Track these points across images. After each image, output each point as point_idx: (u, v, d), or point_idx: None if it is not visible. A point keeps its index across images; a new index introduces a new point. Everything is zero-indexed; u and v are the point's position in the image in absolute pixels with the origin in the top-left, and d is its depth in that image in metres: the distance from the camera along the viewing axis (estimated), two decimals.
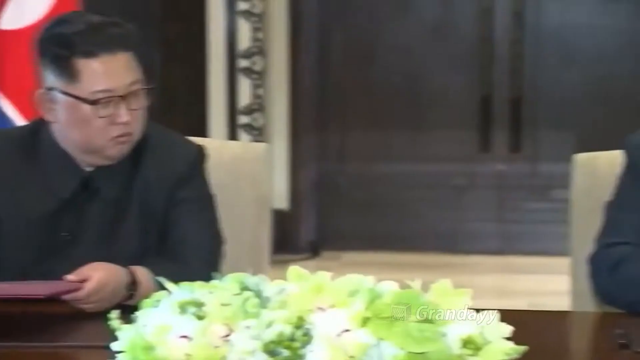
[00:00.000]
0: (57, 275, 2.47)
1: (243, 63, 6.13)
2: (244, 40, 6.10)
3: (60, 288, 2.39)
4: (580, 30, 6.13)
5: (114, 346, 1.84)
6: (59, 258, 2.62)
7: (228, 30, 6.07)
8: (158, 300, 1.84)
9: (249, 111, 6.15)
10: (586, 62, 6.12)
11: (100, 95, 2.53)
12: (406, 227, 6.33)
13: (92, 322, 2.33)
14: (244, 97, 6.13)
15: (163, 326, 1.79)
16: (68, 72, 2.54)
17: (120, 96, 2.55)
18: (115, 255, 2.55)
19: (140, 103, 2.60)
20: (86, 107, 2.54)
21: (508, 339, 1.81)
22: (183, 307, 1.80)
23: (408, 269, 5.48)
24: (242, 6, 6.07)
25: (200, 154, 2.75)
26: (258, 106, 6.15)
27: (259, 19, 6.10)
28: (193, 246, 2.64)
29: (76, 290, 2.38)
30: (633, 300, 2.54)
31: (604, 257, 2.62)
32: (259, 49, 6.13)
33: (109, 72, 2.55)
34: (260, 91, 6.14)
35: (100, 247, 2.61)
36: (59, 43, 2.56)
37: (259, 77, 6.14)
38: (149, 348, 1.79)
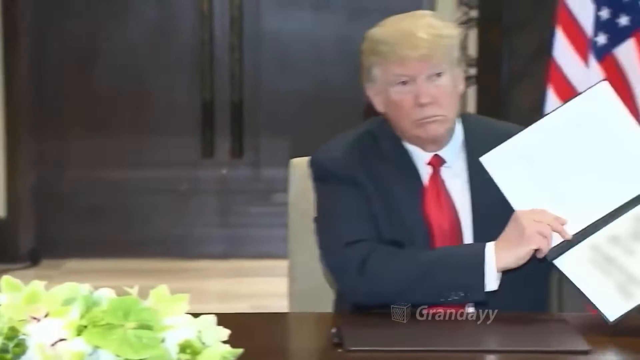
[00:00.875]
0: None
1: None
2: None
3: None
4: (297, 37, 6.23)
5: None
6: None
7: None
8: None
9: None
10: (303, 69, 6.22)
11: None
12: (132, 234, 6.28)
13: None
14: None
15: None
16: None
17: None
18: None
19: None
20: None
21: (226, 342, 1.83)
22: None
23: (132, 276, 5.44)
24: None
25: None
26: None
27: None
28: None
29: None
30: (388, 292, 2.58)
31: (348, 258, 2.66)
32: None
33: None
34: None
35: None
36: None
37: None
38: None
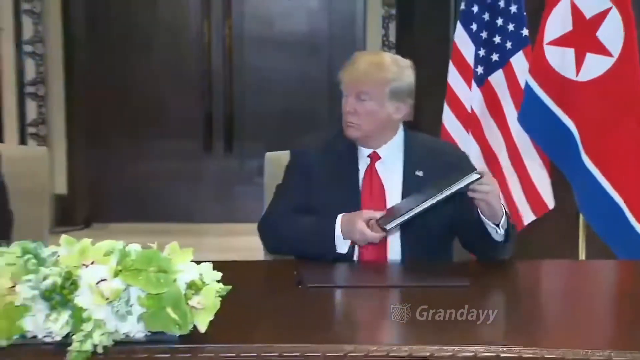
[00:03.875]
0: None
1: (29, 89, 5.93)
2: (30, 73, 5.90)
3: None
4: (271, 68, 6.26)
5: None
6: None
7: (17, 66, 5.86)
8: None
9: (35, 124, 5.96)
10: (275, 91, 6.23)
11: None
12: (153, 206, 6.28)
13: None
14: (31, 114, 5.94)
15: None
16: None
17: None
18: None
19: None
20: None
21: (219, 281, 1.82)
22: None
23: (153, 235, 5.30)
24: (28, 49, 5.87)
25: None
26: (42, 120, 5.97)
27: (41, 58, 5.91)
28: None
29: None
30: (282, 248, 2.67)
31: (266, 222, 2.70)
32: (42, 80, 5.95)
33: None
34: (44, 109, 5.97)
35: None
36: None
37: (42, 100, 5.96)
38: None
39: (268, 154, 3.03)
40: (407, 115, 2.70)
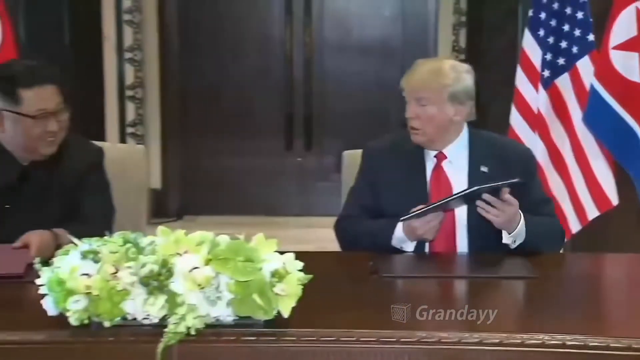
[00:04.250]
0: (2, 239, 2.40)
1: (129, 93, 6.04)
2: (130, 78, 6.01)
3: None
4: (349, 72, 6.24)
5: (38, 281, 1.79)
6: (3, 224, 2.53)
7: (119, 72, 5.97)
8: (68, 250, 1.80)
9: (133, 124, 6.06)
10: (352, 94, 6.20)
11: (39, 113, 2.47)
12: (240, 200, 6.29)
13: None
14: (130, 115, 6.04)
15: (72, 267, 1.75)
16: (14, 98, 2.47)
17: (51, 112, 2.49)
18: (42, 222, 2.46)
19: (64, 117, 2.55)
20: (30, 121, 2.47)
21: (300, 270, 1.83)
22: (85, 255, 1.76)
23: (240, 227, 5.34)
24: (128, 55, 5.98)
25: (100, 152, 2.70)
26: (139, 121, 6.07)
27: (139, 64, 6.01)
28: (94, 214, 2.58)
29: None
30: (353, 245, 2.63)
31: (339, 225, 2.72)
32: (140, 84, 6.04)
33: (44, 97, 2.49)
34: (141, 111, 6.06)
35: (32, 217, 2.53)
36: (6, 79, 2.49)
37: (140, 102, 6.06)
38: (62, 283, 1.75)
39: (345, 152, 3.03)
40: (469, 116, 2.66)
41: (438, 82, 2.58)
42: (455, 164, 2.64)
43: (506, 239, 2.49)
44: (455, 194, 2.47)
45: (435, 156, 2.65)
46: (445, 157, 2.65)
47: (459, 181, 2.62)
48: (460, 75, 2.61)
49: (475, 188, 2.42)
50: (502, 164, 2.59)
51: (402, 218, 2.48)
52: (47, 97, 2.50)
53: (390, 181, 2.64)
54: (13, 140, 2.53)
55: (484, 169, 2.61)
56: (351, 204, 2.73)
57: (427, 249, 2.59)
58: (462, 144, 2.65)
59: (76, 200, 2.59)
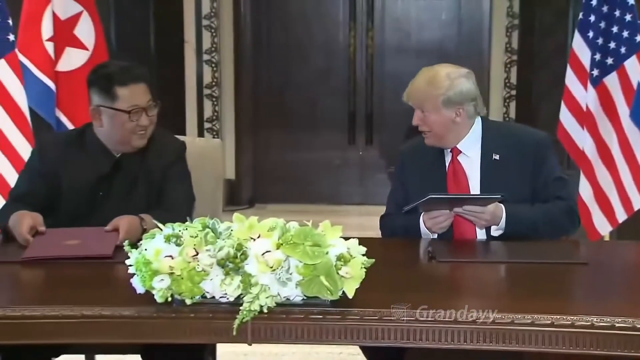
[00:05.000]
0: (96, 222, 2.45)
1: (206, 91, 6.09)
2: (207, 78, 6.06)
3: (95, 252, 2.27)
4: (406, 73, 6.17)
5: (128, 262, 1.82)
6: (97, 209, 2.58)
7: (197, 72, 6.03)
8: (154, 234, 1.81)
9: (210, 120, 6.12)
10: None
11: (133, 108, 2.52)
12: (307, 190, 6.34)
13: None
14: (208, 111, 6.10)
15: (157, 250, 1.77)
16: (111, 95, 2.51)
17: (143, 108, 2.53)
18: (130, 209, 2.50)
19: (154, 112, 2.59)
20: (125, 116, 2.52)
21: (363, 255, 1.82)
22: (168, 238, 1.78)
23: (308, 215, 5.38)
24: (206, 57, 6.03)
25: (182, 145, 2.72)
26: (216, 117, 6.13)
27: (216, 65, 6.06)
28: (176, 202, 2.60)
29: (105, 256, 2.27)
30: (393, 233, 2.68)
31: (380, 223, 2.77)
32: (216, 83, 6.09)
33: (137, 94, 2.53)
34: (217, 108, 6.11)
35: (122, 203, 2.57)
36: (103, 78, 2.54)
37: (216, 100, 6.11)
38: (148, 263, 1.76)
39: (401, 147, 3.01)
40: (474, 113, 2.65)
41: (431, 91, 2.61)
42: (469, 156, 2.64)
43: (495, 231, 2.54)
44: (449, 195, 2.55)
45: (451, 151, 2.66)
46: (460, 152, 2.65)
47: (473, 171, 2.63)
48: (453, 81, 2.61)
49: (465, 196, 2.55)
50: (513, 150, 2.60)
51: (404, 209, 2.54)
52: (139, 94, 2.53)
53: (416, 178, 2.68)
54: (109, 134, 2.58)
55: (496, 157, 2.61)
56: (389, 203, 2.78)
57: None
58: (474, 137, 2.65)
59: (161, 189, 2.62)
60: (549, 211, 2.57)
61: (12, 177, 3.86)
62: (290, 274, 1.76)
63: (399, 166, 2.77)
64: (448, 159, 2.66)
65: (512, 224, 2.52)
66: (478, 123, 2.66)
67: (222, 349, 2.60)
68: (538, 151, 2.60)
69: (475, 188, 2.61)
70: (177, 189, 2.63)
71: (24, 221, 2.38)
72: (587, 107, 3.80)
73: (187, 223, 1.82)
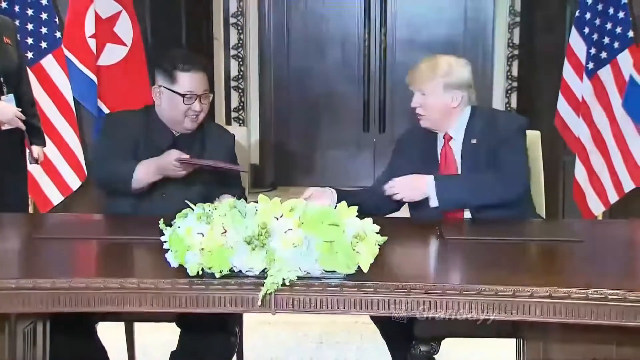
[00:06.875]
0: (156, 195, 2.57)
1: (233, 84, 6.08)
2: (234, 71, 6.06)
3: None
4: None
5: (163, 239, 1.82)
6: (157, 183, 2.57)
7: (225, 66, 6.03)
8: (186, 214, 1.82)
9: (237, 110, 6.12)
10: None
11: (188, 93, 2.53)
12: (324, 173, 6.36)
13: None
14: (234, 102, 6.10)
15: (189, 228, 1.77)
16: (172, 78, 2.53)
17: (198, 95, 2.55)
18: (187, 185, 2.54)
19: (207, 101, 2.61)
20: (180, 98, 2.54)
21: (377, 232, 1.81)
22: (199, 217, 1.78)
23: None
24: (233, 52, 6.02)
25: (232, 136, 2.74)
26: (242, 107, 6.13)
27: (242, 60, 6.06)
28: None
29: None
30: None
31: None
32: (242, 76, 6.09)
33: (195, 81, 2.54)
34: (243, 99, 6.12)
35: (179, 179, 2.56)
36: (168, 61, 2.56)
37: (242, 92, 6.11)
38: (181, 240, 1.77)
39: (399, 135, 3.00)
40: (468, 101, 2.64)
41: (434, 76, 2.59)
42: (456, 142, 2.64)
43: (432, 203, 2.49)
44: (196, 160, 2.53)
45: (443, 137, 2.66)
46: (451, 137, 2.65)
47: (459, 155, 2.62)
48: (453, 68, 2.60)
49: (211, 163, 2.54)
50: (489, 133, 2.58)
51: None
52: (197, 82, 2.55)
53: (411, 158, 2.66)
54: (165, 112, 2.60)
55: (473, 141, 2.60)
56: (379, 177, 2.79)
57: None
58: (461, 124, 2.64)
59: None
60: (486, 178, 2.51)
61: (59, 163, 3.88)
62: (310, 250, 1.75)
63: (395, 150, 2.78)
64: (440, 144, 2.66)
65: (445, 193, 2.47)
66: (467, 111, 2.65)
67: (248, 318, 2.62)
68: (507, 130, 2.57)
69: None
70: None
71: (162, 157, 2.49)
72: (582, 97, 3.77)
73: (215, 203, 1.82)
